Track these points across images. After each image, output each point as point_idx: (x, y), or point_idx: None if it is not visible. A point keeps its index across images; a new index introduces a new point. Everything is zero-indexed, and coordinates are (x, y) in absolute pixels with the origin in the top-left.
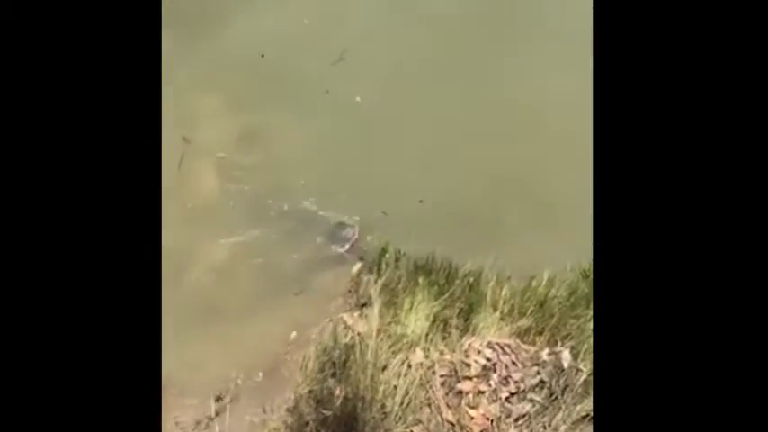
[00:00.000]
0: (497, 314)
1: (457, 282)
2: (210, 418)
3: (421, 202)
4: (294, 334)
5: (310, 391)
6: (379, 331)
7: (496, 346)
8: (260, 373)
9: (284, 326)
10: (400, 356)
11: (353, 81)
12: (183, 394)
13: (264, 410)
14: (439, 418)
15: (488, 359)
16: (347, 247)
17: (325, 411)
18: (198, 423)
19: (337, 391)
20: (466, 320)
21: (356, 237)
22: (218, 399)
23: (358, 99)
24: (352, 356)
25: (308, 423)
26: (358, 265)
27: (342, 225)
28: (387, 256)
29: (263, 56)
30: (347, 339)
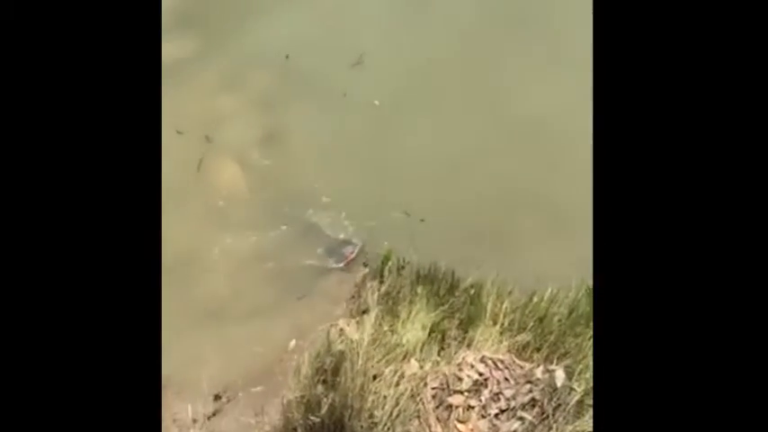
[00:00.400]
0: (497, 328)
1: (457, 293)
2: (208, 418)
3: (422, 220)
4: (293, 342)
5: (301, 397)
6: (374, 340)
7: (490, 362)
8: (258, 376)
9: (286, 329)
10: (393, 366)
11: (371, 84)
12: (182, 392)
13: (256, 414)
14: (428, 431)
15: (481, 374)
16: (342, 264)
17: (313, 418)
18: (195, 422)
19: (326, 399)
20: (465, 332)
21: (353, 256)
22: (216, 398)
23: (376, 102)
24: (344, 364)
25: (295, 429)
26: (363, 272)
27: (345, 242)
28: (389, 263)
29: (287, 57)
30: (341, 346)
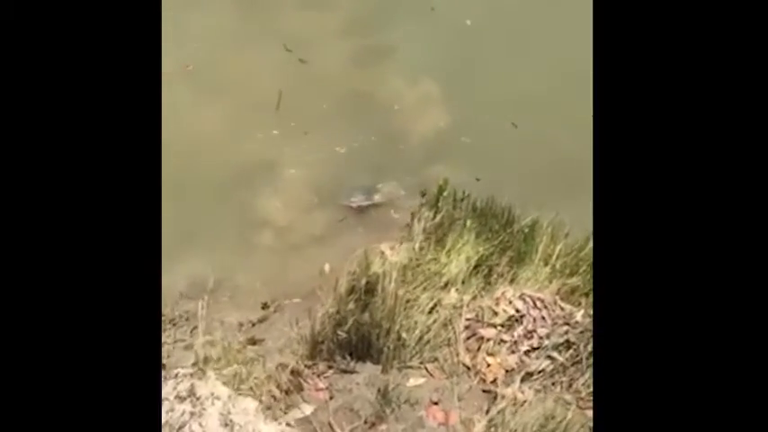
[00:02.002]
0: (547, 269)
1: (510, 230)
2: (252, 324)
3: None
4: (327, 266)
5: (334, 312)
6: (415, 266)
7: (528, 299)
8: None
9: (340, 250)
10: (430, 293)
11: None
12: (234, 297)
13: (291, 325)
14: (455, 360)
15: (517, 310)
16: (353, 203)
17: (340, 333)
18: (241, 325)
19: (355, 316)
20: (513, 270)
21: (368, 203)
22: (264, 306)
23: (468, 22)
24: (378, 285)
25: (323, 342)
26: (422, 200)
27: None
28: (445, 194)
29: None
30: (377, 268)
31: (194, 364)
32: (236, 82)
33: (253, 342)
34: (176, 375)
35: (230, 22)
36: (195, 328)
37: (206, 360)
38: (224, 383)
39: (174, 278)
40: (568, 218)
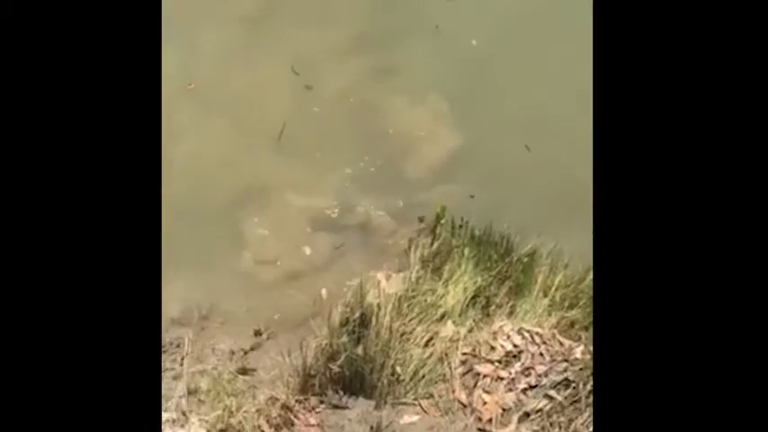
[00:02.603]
0: (546, 300)
1: (508, 260)
2: (245, 352)
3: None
4: (324, 291)
5: (326, 345)
6: (410, 297)
7: (527, 334)
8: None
9: (334, 276)
10: (426, 326)
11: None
12: (226, 323)
13: (283, 356)
14: (451, 396)
15: (515, 345)
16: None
17: (332, 367)
18: (233, 353)
19: (348, 350)
20: (511, 301)
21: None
22: (256, 333)
23: (474, 42)
24: (373, 317)
25: (315, 375)
26: (419, 226)
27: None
28: (443, 221)
29: None
30: (373, 299)
31: (178, 407)
32: (239, 102)
33: (244, 372)
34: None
35: (235, 39)
36: (186, 355)
37: (195, 391)
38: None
39: (165, 303)
40: (568, 247)
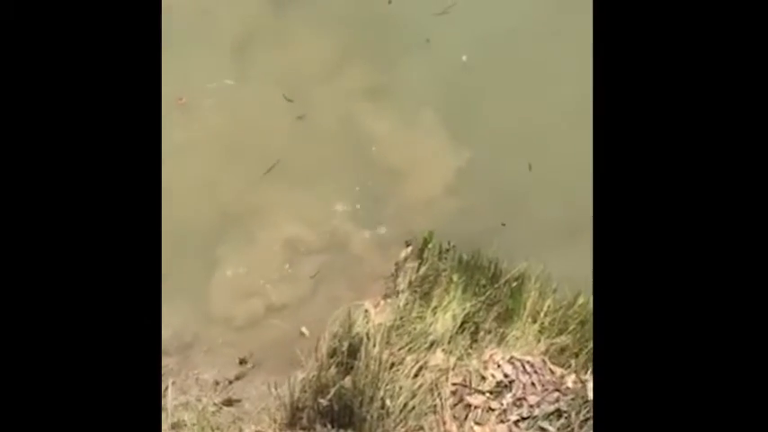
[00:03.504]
0: (536, 326)
1: (497, 285)
2: (230, 382)
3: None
4: (305, 329)
5: (314, 377)
6: (398, 326)
7: (518, 363)
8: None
9: (321, 303)
10: (416, 356)
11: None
12: (210, 352)
13: (269, 387)
14: (442, 429)
15: (506, 375)
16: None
17: (321, 400)
18: (217, 384)
19: (337, 383)
20: (501, 327)
21: None
22: (241, 362)
23: (464, 58)
24: (361, 348)
25: (302, 409)
26: (406, 250)
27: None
28: (430, 245)
29: (390, 2)
30: (361, 329)
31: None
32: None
33: (229, 403)
34: None
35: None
36: (169, 386)
37: (178, 425)
38: None
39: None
40: (556, 272)
